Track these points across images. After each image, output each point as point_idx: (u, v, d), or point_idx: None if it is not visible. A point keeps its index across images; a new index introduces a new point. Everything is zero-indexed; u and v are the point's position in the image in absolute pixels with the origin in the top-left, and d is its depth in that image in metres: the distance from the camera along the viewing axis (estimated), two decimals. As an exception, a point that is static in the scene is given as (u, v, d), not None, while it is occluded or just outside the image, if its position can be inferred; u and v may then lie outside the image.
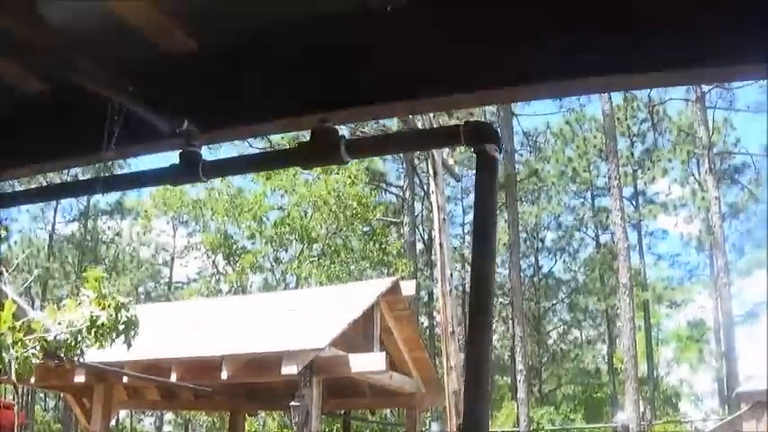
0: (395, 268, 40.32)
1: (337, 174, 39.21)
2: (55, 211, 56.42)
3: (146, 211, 48.00)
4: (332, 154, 3.28)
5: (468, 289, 52.24)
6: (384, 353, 16.75)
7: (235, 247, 43.75)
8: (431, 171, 21.84)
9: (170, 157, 3.78)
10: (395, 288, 18.65)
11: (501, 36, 3.15)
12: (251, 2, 3.42)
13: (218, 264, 46.58)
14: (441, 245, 20.80)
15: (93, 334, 9.40)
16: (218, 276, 45.95)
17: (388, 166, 54.63)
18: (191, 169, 3.54)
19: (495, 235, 3.02)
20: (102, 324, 9.35)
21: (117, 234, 58.53)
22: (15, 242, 52.49)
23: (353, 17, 3.33)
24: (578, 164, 54.72)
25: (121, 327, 9.56)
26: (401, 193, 53.16)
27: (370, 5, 3.26)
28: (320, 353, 15.47)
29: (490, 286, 3.02)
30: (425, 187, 45.05)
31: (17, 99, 4.13)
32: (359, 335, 17.27)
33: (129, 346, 9.84)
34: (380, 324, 18.21)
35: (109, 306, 9.45)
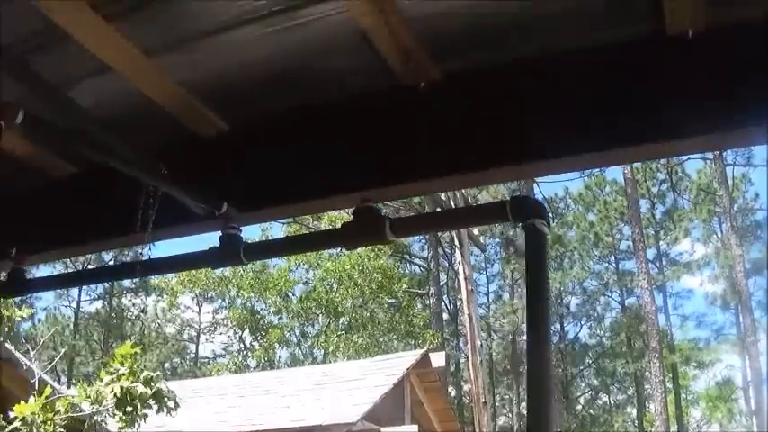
0: (422, 339, 40.10)
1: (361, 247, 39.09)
2: (80, 289, 56.47)
3: (171, 289, 47.99)
4: (377, 233, 3.22)
5: (494, 357, 52.04)
6: (416, 426, 16.63)
7: (261, 322, 43.72)
8: (456, 242, 21.68)
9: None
10: (424, 360, 18.58)
11: (530, 113, 3.15)
12: (284, 84, 3.41)
13: (245, 339, 46.48)
14: (469, 316, 20.53)
15: (124, 410, 9.42)
16: (245, 351, 45.80)
17: (412, 238, 54.59)
18: (232, 252, 3.49)
19: (549, 316, 2.97)
20: (135, 398, 9.38)
21: (142, 311, 58.56)
22: (40, 320, 52.64)
23: (390, 93, 3.32)
24: (600, 228, 54.73)
25: (153, 402, 9.60)
26: (425, 264, 53.07)
27: (403, 81, 3.25)
28: (352, 427, 15.38)
29: (548, 350, 2.95)
30: (450, 258, 44.96)
31: (47, 182, 4.12)
32: (389, 407, 17.16)
33: (173, 415, 9.90)
34: (411, 396, 18.11)
35: (138, 379, 9.49)
